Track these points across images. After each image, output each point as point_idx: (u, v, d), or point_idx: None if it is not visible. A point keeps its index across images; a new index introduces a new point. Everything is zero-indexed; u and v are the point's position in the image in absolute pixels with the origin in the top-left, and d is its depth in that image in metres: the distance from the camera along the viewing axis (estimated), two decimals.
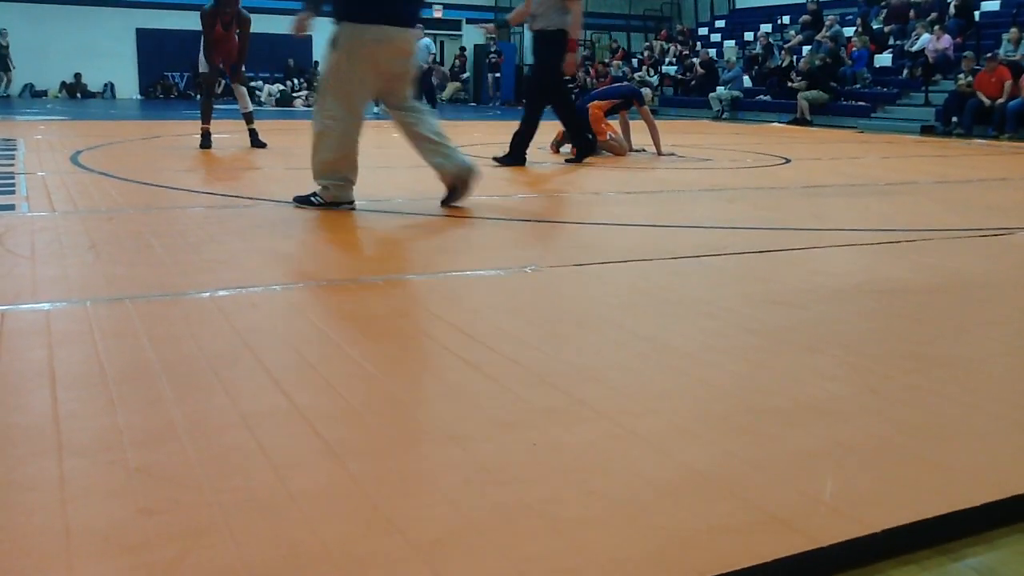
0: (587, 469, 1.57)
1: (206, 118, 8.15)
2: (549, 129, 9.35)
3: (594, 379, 2.06)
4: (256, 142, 8.20)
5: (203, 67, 8.19)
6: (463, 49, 25.57)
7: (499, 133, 12.33)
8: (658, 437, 1.71)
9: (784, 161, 8.35)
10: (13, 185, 5.10)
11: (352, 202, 4.68)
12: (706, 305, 2.82)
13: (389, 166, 6.95)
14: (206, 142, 8.05)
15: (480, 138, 10.68)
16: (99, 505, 1.37)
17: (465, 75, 24.80)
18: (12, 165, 6.13)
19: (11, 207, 4.42)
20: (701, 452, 1.65)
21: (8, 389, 1.89)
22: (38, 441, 1.61)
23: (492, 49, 23.68)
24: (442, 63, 25.43)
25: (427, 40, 17.36)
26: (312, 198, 4.67)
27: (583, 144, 7.57)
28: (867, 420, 1.85)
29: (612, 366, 2.17)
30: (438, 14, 25.64)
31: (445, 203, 4.81)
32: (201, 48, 8.09)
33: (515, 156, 7.18)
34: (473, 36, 25.90)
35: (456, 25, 26.06)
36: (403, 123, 4.82)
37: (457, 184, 4.80)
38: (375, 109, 17.40)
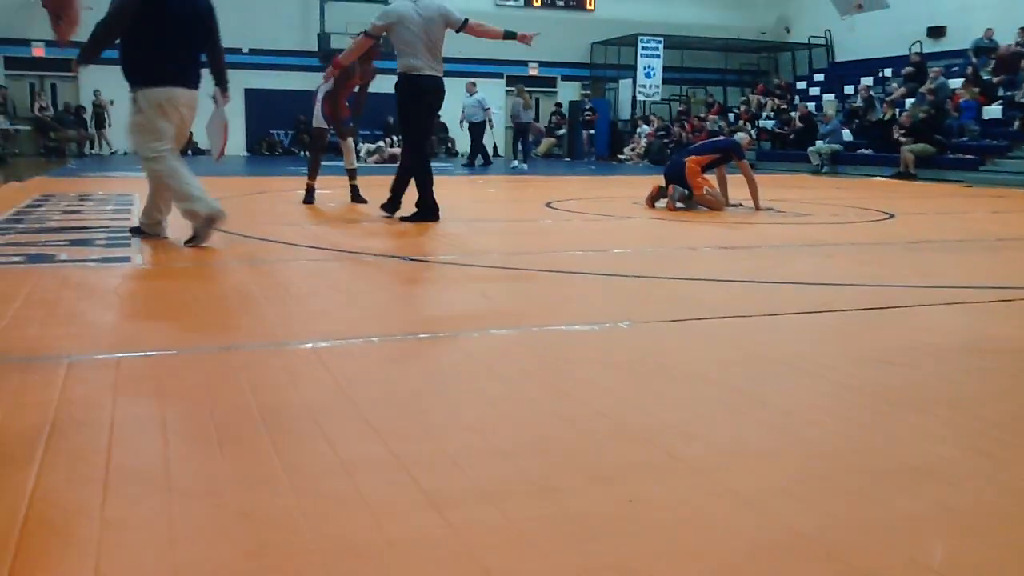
0: (682, 527, 1.54)
1: (313, 174, 8.34)
2: (645, 183, 9.35)
3: (690, 435, 2.03)
4: (357, 198, 8.41)
5: (317, 122, 8.34)
6: (559, 105, 25.89)
7: (593, 188, 12.40)
8: (757, 496, 1.68)
9: (887, 216, 8.15)
10: (129, 239, 5.35)
11: (165, 236, 5.26)
12: (807, 363, 2.76)
13: (485, 220, 7.05)
14: (310, 197, 8.23)
15: (575, 192, 10.75)
16: (206, 547, 1.42)
17: (561, 131, 25.06)
18: (128, 219, 6.44)
19: (126, 259, 4.64)
20: (802, 513, 1.61)
21: (123, 432, 1.97)
22: (149, 483, 1.67)
23: (587, 107, 23.89)
24: (538, 119, 25.78)
25: (480, 95, 17.53)
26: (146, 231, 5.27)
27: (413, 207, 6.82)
28: (976, 484, 1.77)
29: (709, 423, 2.14)
30: (533, 72, 26.07)
31: (188, 243, 5.07)
32: (318, 102, 8.21)
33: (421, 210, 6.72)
34: (568, 93, 26.23)
35: (551, 82, 26.44)
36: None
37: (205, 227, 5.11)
38: (514, 163, 17.74)
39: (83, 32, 3.46)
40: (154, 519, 1.51)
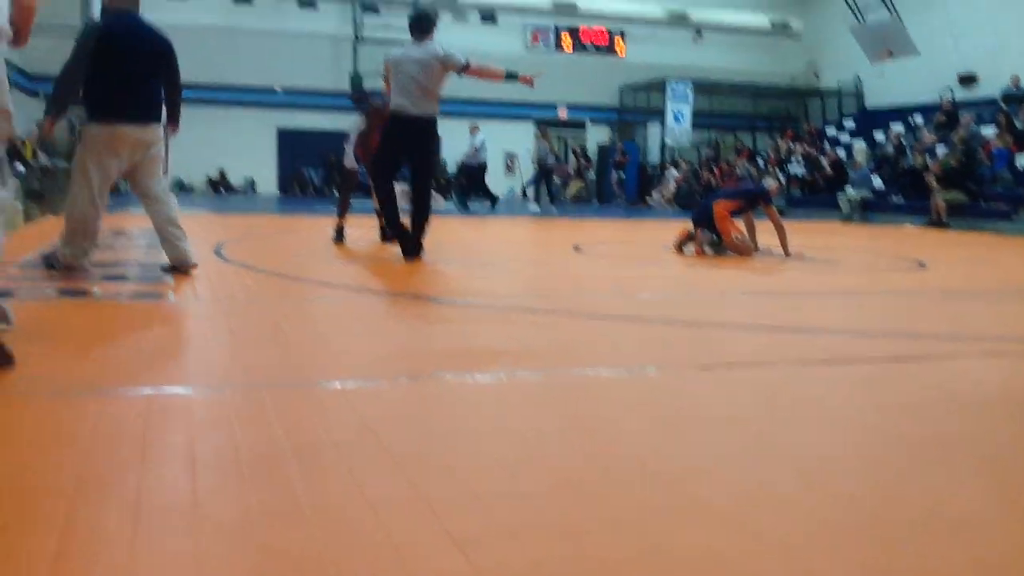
0: (707, 572, 1.53)
1: (343, 213, 8.42)
2: (674, 227, 9.37)
3: (715, 481, 2.02)
4: (386, 237, 8.45)
5: (349, 163, 8.43)
6: (583, 148, 26.06)
7: (621, 231, 12.43)
8: (785, 543, 1.66)
9: (919, 265, 8.09)
10: (161, 275, 5.43)
11: (87, 269, 5.25)
12: (836, 411, 2.74)
13: (512, 262, 7.08)
14: (339, 236, 8.32)
15: (602, 235, 10.78)
16: None
17: (590, 174, 25.19)
18: (161, 256, 6.53)
19: (158, 295, 4.70)
20: (829, 562, 1.59)
21: (153, 468, 1.99)
22: (178, 516, 1.69)
23: (618, 149, 24.03)
24: (566, 162, 25.95)
25: (481, 137, 17.53)
26: (52, 262, 5.24)
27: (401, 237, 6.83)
28: (1009, 537, 1.75)
29: (734, 469, 2.12)
30: (563, 114, 26.28)
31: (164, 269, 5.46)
32: (351, 143, 8.30)
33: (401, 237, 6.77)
34: (597, 136, 26.40)
35: (580, 125, 26.64)
36: (146, 209, 5.50)
37: (176, 267, 5.44)
38: (532, 207, 17.82)
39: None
40: (182, 552, 1.53)
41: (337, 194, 8.99)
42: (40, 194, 16.26)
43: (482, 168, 17.44)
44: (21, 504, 1.72)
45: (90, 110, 5.22)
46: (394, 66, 6.66)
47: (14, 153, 14.74)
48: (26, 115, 20.59)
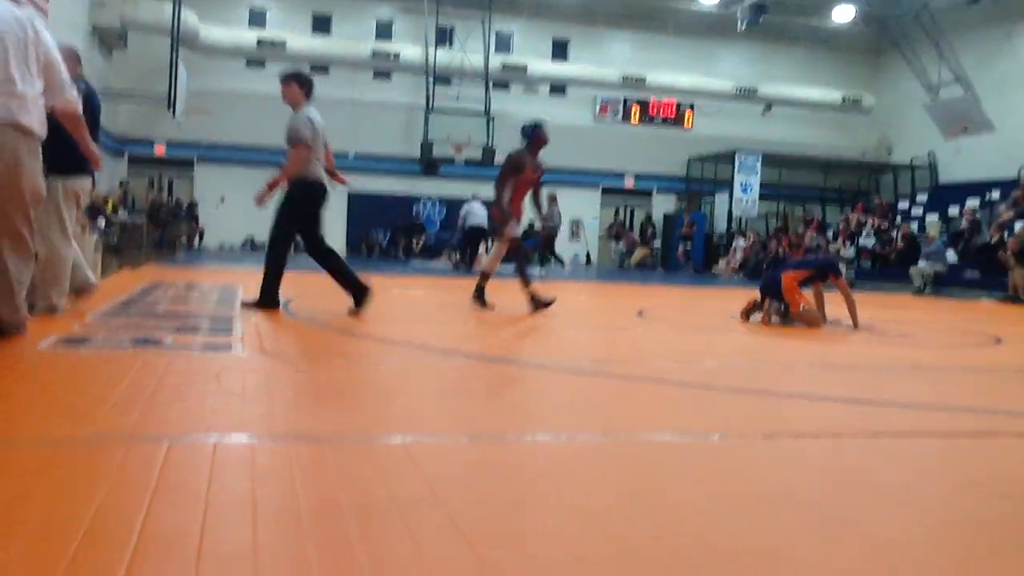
0: None
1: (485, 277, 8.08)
2: (740, 296, 9.26)
3: (781, 559, 1.95)
4: (479, 298, 8.08)
5: (514, 229, 7.97)
6: (649, 217, 26.08)
7: (687, 299, 12.33)
8: None
9: (995, 340, 7.85)
10: (231, 327, 5.54)
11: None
12: (908, 490, 2.63)
13: (576, 327, 7.06)
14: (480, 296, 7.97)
15: (667, 303, 10.71)
16: None
17: (656, 243, 25.17)
18: (231, 309, 6.67)
19: (228, 347, 4.79)
20: None
21: (215, 518, 2.00)
22: (238, 570, 1.68)
23: (686, 220, 24.01)
24: (631, 229, 25.99)
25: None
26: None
27: (355, 291, 6.83)
28: None
29: (800, 548, 2.05)
30: (629, 183, 26.41)
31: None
32: (503, 199, 7.90)
33: (264, 299, 6.69)
34: (663, 205, 26.42)
35: (647, 194, 26.72)
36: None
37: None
38: (539, 271, 18.05)
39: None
40: None
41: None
42: (119, 248, 16.82)
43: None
44: (88, 548, 1.74)
45: (69, 164, 5.41)
46: (317, 132, 6.70)
47: (98, 209, 15.30)
48: (110, 174, 21.49)
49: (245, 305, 6.71)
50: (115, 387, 3.41)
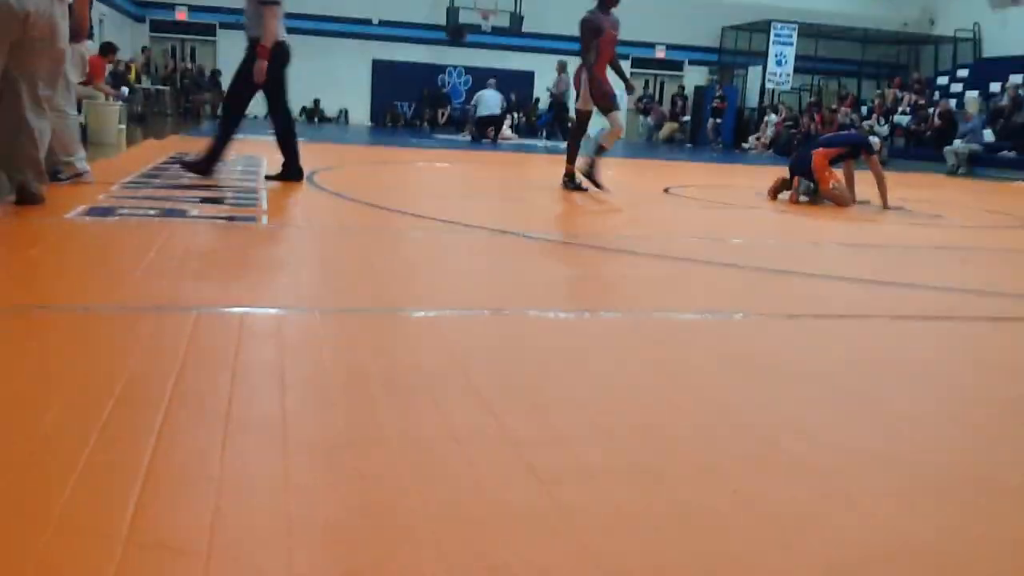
0: (789, 525, 1.51)
1: (572, 158, 7.71)
2: (770, 174, 9.13)
3: (803, 432, 1.98)
4: (570, 184, 7.61)
5: (584, 103, 7.53)
6: (682, 88, 25.47)
7: (715, 176, 12.17)
8: (870, 502, 1.62)
9: None
10: (256, 199, 5.54)
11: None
12: (931, 369, 2.64)
13: (601, 203, 7.01)
14: (573, 183, 7.60)
15: (695, 179, 10.59)
16: (319, 502, 1.46)
17: (684, 117, 24.66)
18: (255, 180, 6.66)
19: (253, 219, 4.80)
20: (918, 523, 1.55)
21: (243, 386, 2.04)
22: (267, 434, 1.73)
23: (717, 94, 23.39)
24: (661, 102, 25.45)
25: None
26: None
27: (289, 169, 6.64)
28: None
29: (824, 423, 2.07)
30: (660, 54, 25.70)
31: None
32: (584, 82, 7.40)
33: (204, 163, 6.36)
34: (695, 78, 25.77)
35: (679, 66, 26.02)
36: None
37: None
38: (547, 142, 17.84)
39: None
40: (270, 469, 1.57)
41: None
42: (143, 117, 16.72)
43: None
44: (120, 412, 1.79)
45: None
46: None
47: (120, 77, 15.14)
48: (132, 40, 21.15)
49: (268, 178, 6.68)
50: (143, 257, 3.45)
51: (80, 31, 5.26)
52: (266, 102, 6.62)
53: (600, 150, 7.56)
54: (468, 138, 18.37)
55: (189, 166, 6.42)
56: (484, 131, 17.93)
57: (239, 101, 6.55)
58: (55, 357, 2.19)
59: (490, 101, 17.82)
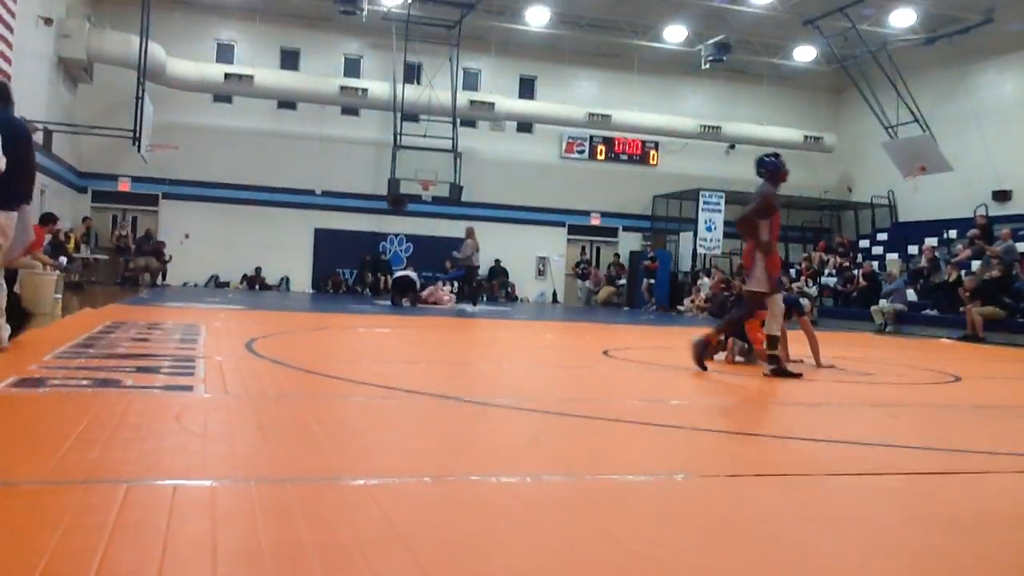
0: None
1: (720, 334, 7.19)
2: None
3: None
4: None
5: (759, 285, 6.70)
6: (617, 256, 26.23)
7: (652, 337, 12.39)
8: None
9: (953, 379, 7.96)
10: (193, 368, 5.48)
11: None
12: (868, 524, 2.66)
13: (541, 366, 7.06)
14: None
15: (633, 341, 10.76)
16: None
17: (621, 281, 25.28)
18: (193, 349, 6.60)
19: (189, 388, 4.73)
20: None
21: (174, 560, 1.97)
22: None
23: (648, 255, 24.15)
24: (598, 267, 26.11)
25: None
26: None
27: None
28: None
29: None
30: (595, 221, 26.57)
31: None
32: (758, 262, 6.62)
33: None
34: (629, 243, 26.60)
35: (613, 232, 26.88)
36: None
37: None
38: (466, 307, 18.08)
39: None
40: None
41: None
42: (80, 285, 16.60)
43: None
44: None
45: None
46: None
47: (59, 246, 15.12)
48: (73, 210, 21.23)
49: None
50: (74, 428, 3.36)
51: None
52: None
53: (774, 340, 6.84)
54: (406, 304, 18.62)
55: None
56: (400, 297, 18.33)
57: None
58: None
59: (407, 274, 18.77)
